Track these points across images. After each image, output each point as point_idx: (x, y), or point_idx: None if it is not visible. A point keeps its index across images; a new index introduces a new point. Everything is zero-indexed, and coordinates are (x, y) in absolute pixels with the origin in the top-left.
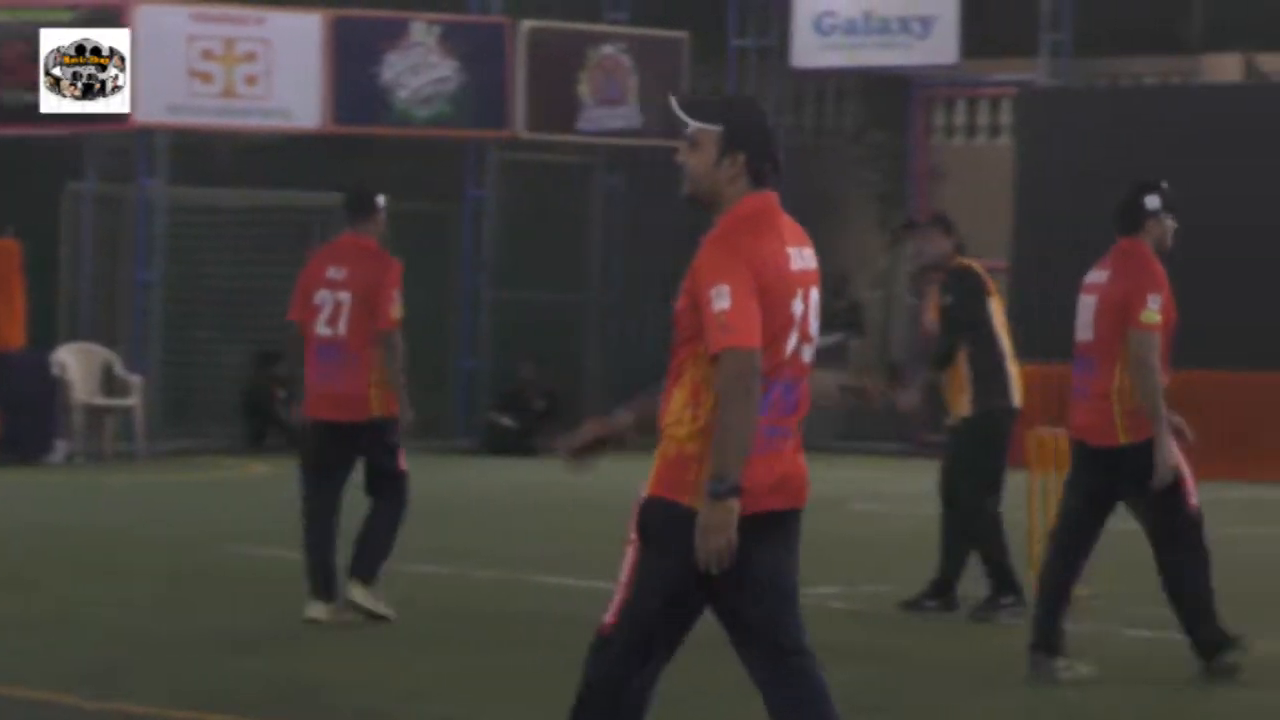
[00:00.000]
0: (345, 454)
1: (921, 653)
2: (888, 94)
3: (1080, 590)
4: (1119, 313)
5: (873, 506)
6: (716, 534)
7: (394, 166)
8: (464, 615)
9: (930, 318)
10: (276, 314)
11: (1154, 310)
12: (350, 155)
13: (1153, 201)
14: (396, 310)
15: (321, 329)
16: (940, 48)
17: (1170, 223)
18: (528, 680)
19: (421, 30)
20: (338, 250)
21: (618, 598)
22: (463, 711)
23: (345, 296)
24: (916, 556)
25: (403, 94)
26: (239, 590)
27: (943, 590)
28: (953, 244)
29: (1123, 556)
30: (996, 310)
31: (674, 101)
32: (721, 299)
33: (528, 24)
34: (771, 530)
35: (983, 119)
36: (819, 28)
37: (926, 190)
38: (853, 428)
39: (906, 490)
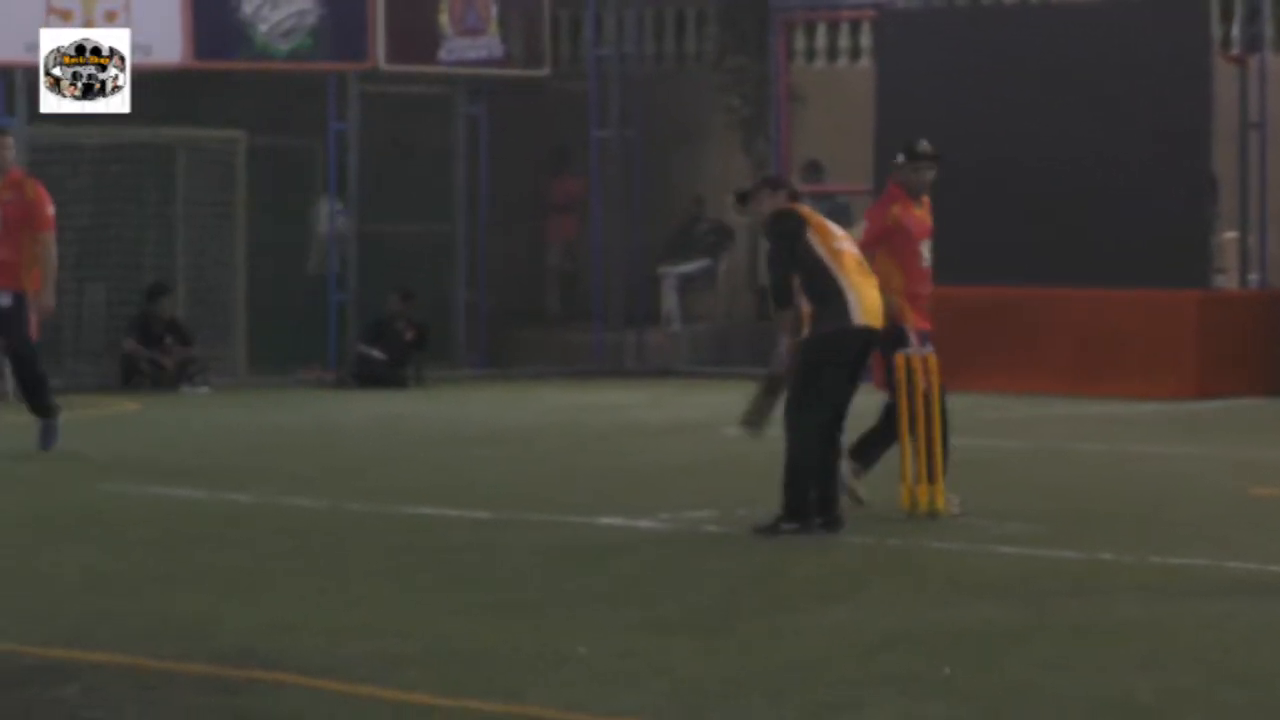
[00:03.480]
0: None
1: (790, 569)
2: (748, 18)
3: (950, 509)
4: None
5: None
6: None
7: (256, 100)
8: (339, 546)
9: None
10: (139, 250)
11: None
12: (212, 90)
13: None
14: None
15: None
16: None
17: None
18: (408, 610)
19: None
20: None
21: None
22: (340, 646)
23: None
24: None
25: (263, 27)
26: (114, 528)
27: (827, 508)
28: (784, 195)
29: (994, 474)
30: (826, 239)
31: None
32: None
33: None
34: None
35: (843, 42)
36: None
37: (789, 115)
38: (722, 353)
39: (776, 414)
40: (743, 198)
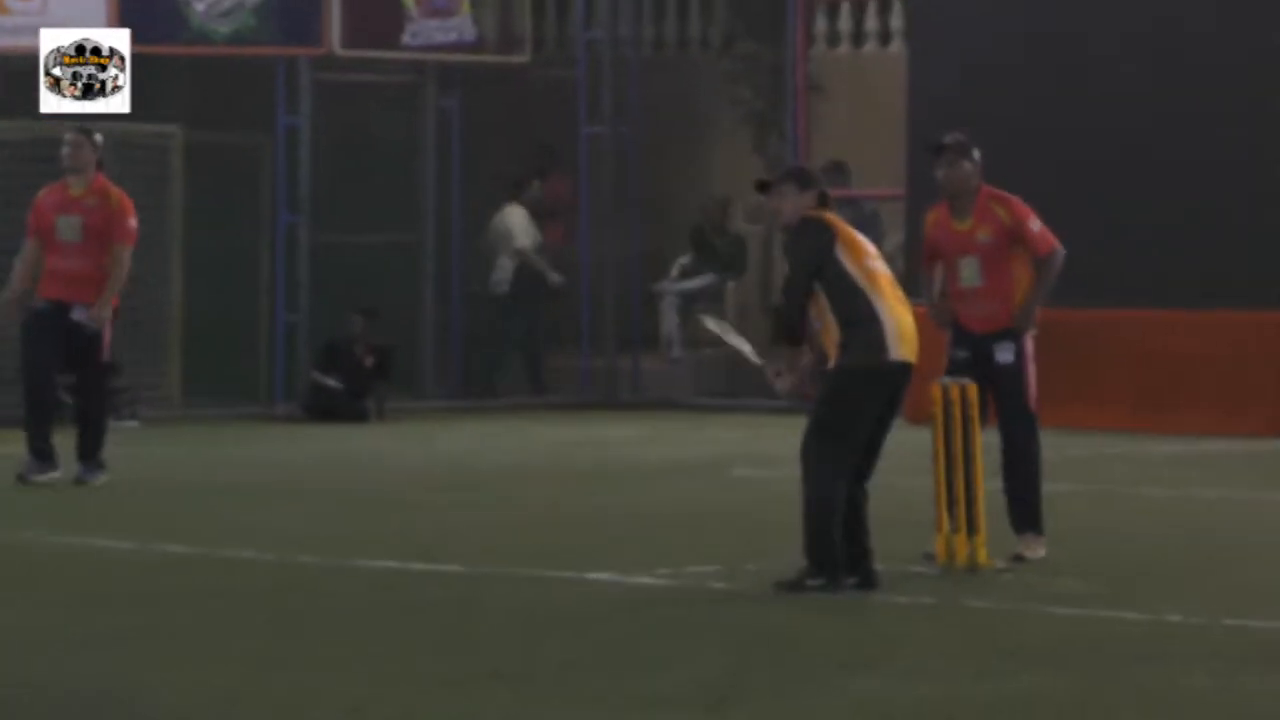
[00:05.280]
0: None
1: (808, 633)
2: None
3: (991, 563)
4: None
5: (758, 472)
6: None
7: (194, 90)
8: (287, 605)
9: None
10: None
11: None
12: (145, 79)
13: None
14: None
15: None
16: None
17: None
18: (368, 679)
19: None
20: None
21: None
22: (278, 713)
23: None
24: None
25: (200, 7)
26: (27, 583)
27: (859, 564)
28: (813, 197)
29: (1046, 523)
30: (857, 255)
31: None
32: None
33: None
34: None
35: (871, 23)
36: None
37: (808, 108)
38: (729, 383)
39: (794, 452)
40: (764, 186)
